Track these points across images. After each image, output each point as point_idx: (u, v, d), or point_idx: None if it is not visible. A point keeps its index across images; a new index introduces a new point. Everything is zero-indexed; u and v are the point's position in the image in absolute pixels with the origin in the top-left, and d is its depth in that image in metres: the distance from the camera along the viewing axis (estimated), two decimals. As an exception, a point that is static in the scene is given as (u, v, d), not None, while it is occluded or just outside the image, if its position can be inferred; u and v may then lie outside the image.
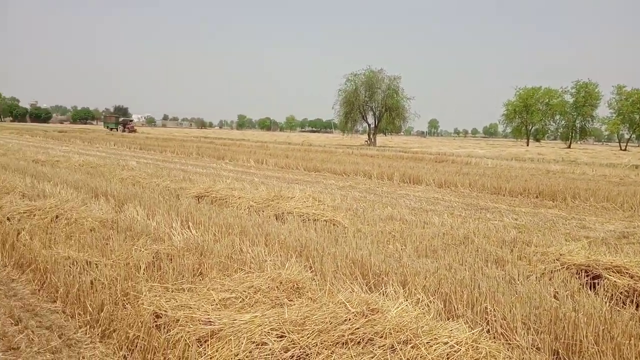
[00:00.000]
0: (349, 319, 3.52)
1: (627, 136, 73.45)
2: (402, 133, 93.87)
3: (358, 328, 3.39)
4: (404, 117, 56.18)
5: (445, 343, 3.31)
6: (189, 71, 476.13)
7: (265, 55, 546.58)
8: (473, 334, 3.50)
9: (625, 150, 63.66)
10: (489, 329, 3.99)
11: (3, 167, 14.24)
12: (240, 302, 4.11)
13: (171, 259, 5.47)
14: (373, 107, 55.96)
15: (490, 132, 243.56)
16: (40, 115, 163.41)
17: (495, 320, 4.09)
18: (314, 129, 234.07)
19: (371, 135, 56.11)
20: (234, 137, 58.13)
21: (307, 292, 4.41)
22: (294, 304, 3.98)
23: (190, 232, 6.67)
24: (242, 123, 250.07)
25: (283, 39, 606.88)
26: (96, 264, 5.35)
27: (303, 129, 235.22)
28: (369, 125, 57.25)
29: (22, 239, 6.41)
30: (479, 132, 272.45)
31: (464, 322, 3.79)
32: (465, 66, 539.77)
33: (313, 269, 5.36)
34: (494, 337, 3.89)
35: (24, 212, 7.67)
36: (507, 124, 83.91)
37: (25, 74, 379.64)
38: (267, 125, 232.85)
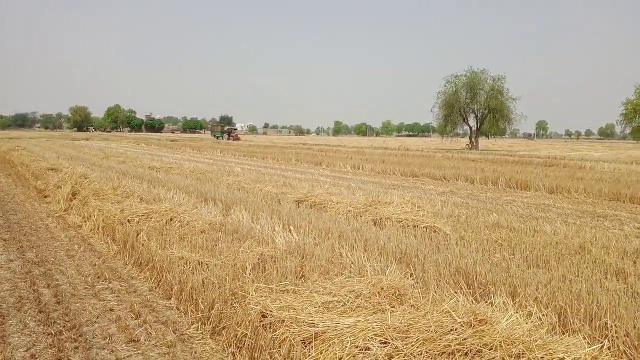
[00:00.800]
0: (456, 329, 3.39)
1: None
2: (507, 136, 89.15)
3: (465, 339, 3.25)
4: (509, 119, 53.21)
5: (562, 359, 3.08)
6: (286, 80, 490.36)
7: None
8: (593, 350, 3.22)
9: None
10: (609, 347, 3.66)
11: (123, 174, 15.61)
12: (342, 306, 4.13)
13: (275, 261, 5.65)
14: (475, 109, 53.71)
15: (606, 134, 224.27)
16: (154, 126, 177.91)
17: (618, 337, 3.75)
18: (411, 133, 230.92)
19: (473, 139, 53.97)
20: (331, 144, 58.89)
21: (409, 299, 4.32)
22: (397, 311, 3.92)
23: (292, 235, 6.84)
24: (339, 129, 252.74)
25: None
26: (207, 264, 5.67)
27: (400, 134, 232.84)
28: (470, 128, 55.05)
29: (141, 239, 6.97)
30: (594, 134, 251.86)
31: (582, 338, 3.50)
32: (571, 65, 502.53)
33: (414, 276, 5.25)
34: (616, 356, 3.57)
35: (142, 215, 8.35)
36: (627, 124, 76.37)
37: (141, 88, 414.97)
38: (363, 130, 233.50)
